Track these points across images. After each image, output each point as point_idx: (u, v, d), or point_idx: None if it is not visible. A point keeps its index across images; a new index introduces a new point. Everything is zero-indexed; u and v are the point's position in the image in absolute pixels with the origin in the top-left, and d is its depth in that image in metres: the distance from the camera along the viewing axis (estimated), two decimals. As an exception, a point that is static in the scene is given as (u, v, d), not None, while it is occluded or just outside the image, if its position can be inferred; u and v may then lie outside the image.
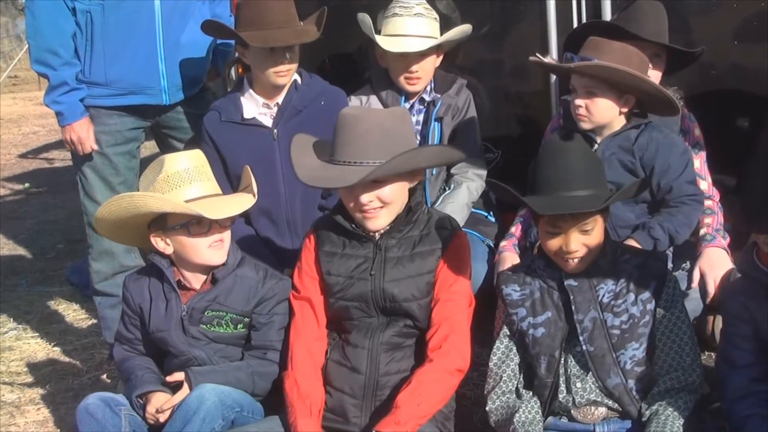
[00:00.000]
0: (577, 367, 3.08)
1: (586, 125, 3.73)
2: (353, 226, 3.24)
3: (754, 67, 4.19)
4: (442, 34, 4.27)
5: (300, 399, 3.09)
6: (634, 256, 3.11)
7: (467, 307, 3.31)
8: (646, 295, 3.05)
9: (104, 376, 4.29)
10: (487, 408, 3.12)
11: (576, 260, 3.02)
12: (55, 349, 5.15)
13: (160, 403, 3.32)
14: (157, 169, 3.42)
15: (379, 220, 3.21)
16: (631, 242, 3.60)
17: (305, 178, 3.22)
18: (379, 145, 3.12)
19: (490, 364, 3.15)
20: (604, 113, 3.71)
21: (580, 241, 2.99)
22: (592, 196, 3.00)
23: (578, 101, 3.70)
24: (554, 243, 3.00)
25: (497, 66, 4.56)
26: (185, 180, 3.39)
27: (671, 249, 3.83)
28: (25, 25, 4.61)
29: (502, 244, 4.08)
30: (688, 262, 3.86)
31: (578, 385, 3.08)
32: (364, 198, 3.11)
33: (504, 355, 3.14)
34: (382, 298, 3.28)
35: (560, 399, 3.11)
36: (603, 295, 3.05)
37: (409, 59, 4.21)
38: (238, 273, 3.50)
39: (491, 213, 4.37)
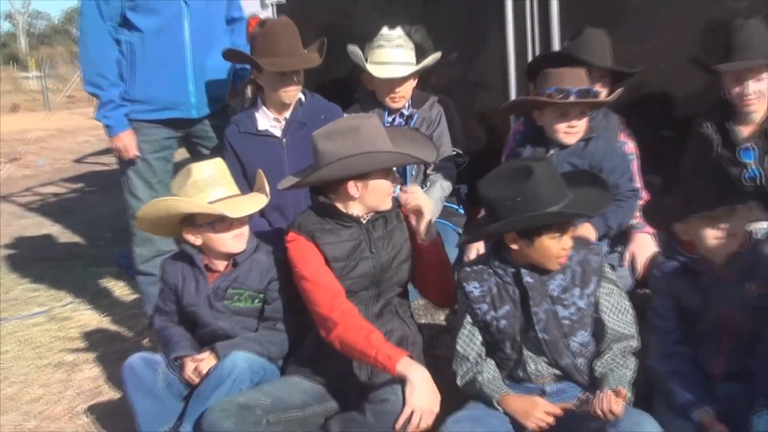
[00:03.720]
0: (533, 350, 3.03)
1: (573, 140, 3.72)
2: (346, 215, 3.24)
3: (679, 88, 4.16)
4: (417, 61, 4.22)
5: (382, 341, 3.00)
6: (575, 252, 3.07)
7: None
8: (590, 289, 3.02)
9: (145, 341, 4.30)
10: (457, 382, 3.10)
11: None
12: (105, 318, 5.14)
13: (195, 365, 3.33)
14: (186, 176, 3.45)
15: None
16: (588, 226, 3.57)
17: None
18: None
19: (456, 346, 3.11)
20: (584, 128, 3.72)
21: (570, 243, 2.97)
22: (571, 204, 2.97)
23: (574, 122, 3.68)
24: (555, 245, 2.93)
25: (463, 85, 4.51)
26: (210, 184, 3.41)
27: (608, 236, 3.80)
28: (78, 53, 4.57)
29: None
30: (620, 246, 3.83)
31: (532, 366, 3.05)
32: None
33: (468, 339, 3.09)
34: (382, 270, 3.29)
35: (519, 372, 3.09)
36: (553, 290, 3.02)
37: (393, 83, 4.19)
38: (254, 258, 3.52)
39: (461, 206, 4.36)
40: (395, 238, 3.35)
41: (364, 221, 3.28)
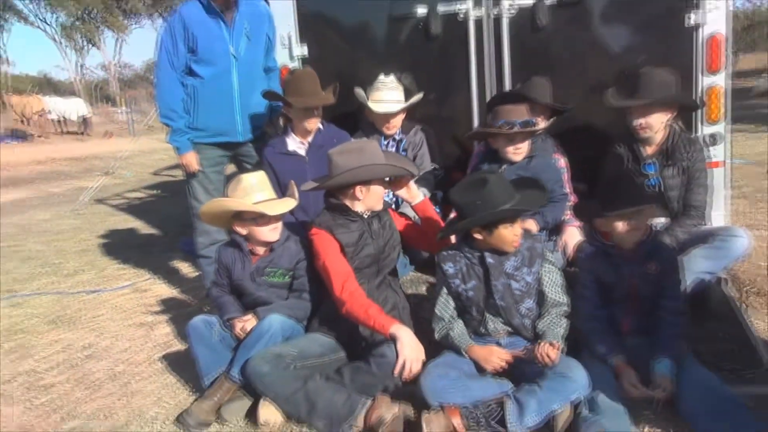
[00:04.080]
0: (492, 313, 3.06)
1: (519, 158, 3.77)
2: (352, 212, 3.29)
3: (599, 119, 4.17)
4: (405, 99, 4.22)
5: (378, 312, 3.04)
6: (524, 241, 3.09)
7: None
8: (535, 268, 3.06)
9: (205, 308, 4.28)
10: (435, 337, 3.13)
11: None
12: (174, 290, 5.14)
13: (242, 325, 3.38)
14: (237, 183, 3.47)
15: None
16: (531, 222, 3.60)
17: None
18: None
19: (434, 310, 3.14)
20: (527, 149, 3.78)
21: (520, 231, 3.03)
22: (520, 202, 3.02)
23: (518, 145, 3.74)
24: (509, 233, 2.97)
25: (439, 118, 4.46)
26: (254, 190, 3.44)
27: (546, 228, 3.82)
28: (155, 93, 4.59)
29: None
30: (555, 236, 3.84)
31: (491, 325, 3.08)
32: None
33: (444, 305, 3.13)
34: (380, 252, 3.34)
35: (481, 329, 3.12)
36: (508, 268, 3.04)
37: (387, 116, 4.19)
38: (286, 245, 3.53)
39: (438, 206, 4.34)
40: (387, 229, 3.42)
41: (365, 217, 3.32)
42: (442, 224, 3.56)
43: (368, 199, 3.30)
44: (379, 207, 3.37)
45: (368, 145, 3.39)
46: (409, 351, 2.90)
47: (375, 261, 3.35)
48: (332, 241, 3.24)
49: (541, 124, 3.97)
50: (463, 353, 3.05)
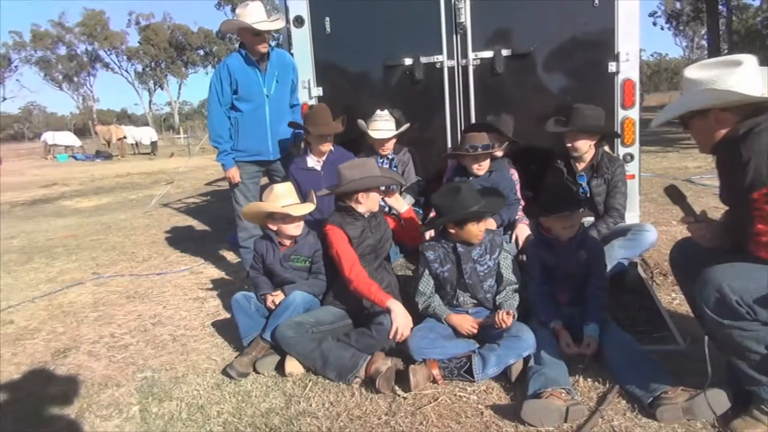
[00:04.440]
0: (462, 289, 3.06)
1: (482, 173, 3.75)
2: (356, 213, 3.29)
3: (542, 143, 4.14)
4: (397, 128, 4.20)
5: (378, 289, 3.07)
6: (487, 234, 3.08)
7: None
8: (495, 255, 3.05)
9: (245, 286, 4.25)
10: (419, 308, 3.11)
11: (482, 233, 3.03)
12: (222, 272, 5.10)
13: (272, 299, 3.37)
14: (270, 191, 3.47)
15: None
16: (491, 221, 3.57)
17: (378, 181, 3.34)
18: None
19: (418, 287, 3.12)
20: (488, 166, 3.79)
21: (484, 228, 3.02)
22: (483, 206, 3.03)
23: (481, 163, 3.73)
24: (475, 229, 2.98)
25: (422, 142, 4.43)
26: (283, 196, 3.44)
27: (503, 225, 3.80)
28: (207, 123, 4.56)
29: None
30: (510, 231, 3.81)
31: (461, 299, 3.07)
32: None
33: (426, 283, 3.11)
34: (380, 242, 3.36)
35: (454, 302, 3.10)
36: (474, 256, 3.03)
37: (383, 141, 4.16)
38: (306, 238, 3.50)
39: (421, 208, 4.33)
40: (382, 226, 3.42)
41: (366, 217, 3.31)
42: (420, 225, 3.68)
43: (368, 203, 3.30)
44: (376, 209, 3.38)
45: (368, 162, 3.41)
46: (401, 320, 2.93)
47: (374, 250, 3.34)
48: (342, 234, 3.24)
49: (499, 150, 3.96)
50: (443, 320, 3.04)
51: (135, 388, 3.02)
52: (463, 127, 4.33)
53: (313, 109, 4.09)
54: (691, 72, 2.20)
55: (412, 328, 2.95)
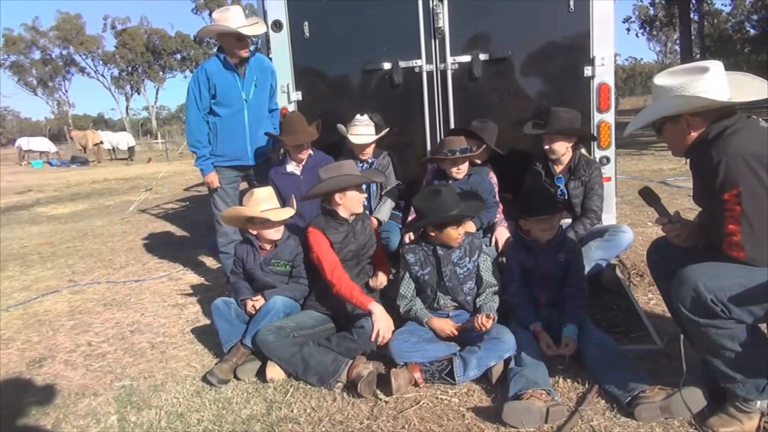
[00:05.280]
0: (443, 292, 3.07)
1: (461, 176, 3.78)
2: (340, 217, 3.27)
3: (521, 146, 4.17)
4: (377, 132, 4.19)
5: (360, 292, 3.06)
6: (466, 237, 3.09)
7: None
8: (475, 257, 3.07)
9: (225, 292, 4.21)
10: (400, 311, 3.11)
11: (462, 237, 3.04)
12: (201, 278, 5.04)
13: (253, 304, 3.35)
14: (250, 195, 3.47)
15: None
16: (471, 223, 3.54)
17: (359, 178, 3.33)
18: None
19: (400, 290, 3.13)
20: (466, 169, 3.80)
21: (463, 231, 3.02)
22: (463, 210, 3.02)
23: (460, 167, 3.76)
24: (454, 232, 2.99)
25: (401, 146, 4.43)
26: (264, 200, 3.44)
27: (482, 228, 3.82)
28: (185, 128, 4.51)
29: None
30: (489, 233, 3.82)
31: (442, 302, 3.09)
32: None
33: (407, 286, 3.11)
34: (363, 248, 3.34)
35: (434, 305, 3.11)
36: (454, 258, 3.04)
37: (362, 146, 4.16)
38: (287, 242, 3.50)
39: (401, 212, 4.33)
40: (367, 232, 3.40)
41: (350, 221, 3.29)
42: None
43: (347, 203, 3.26)
44: (358, 210, 3.32)
45: (345, 164, 3.38)
46: (382, 322, 2.91)
47: (356, 255, 3.33)
48: (323, 238, 3.21)
49: (479, 157, 3.97)
50: (424, 324, 3.04)
51: (113, 397, 2.97)
52: (442, 131, 4.36)
53: (287, 117, 4.07)
54: (661, 79, 2.25)
55: (394, 331, 2.94)
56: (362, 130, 4.18)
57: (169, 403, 2.85)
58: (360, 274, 3.35)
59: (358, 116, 4.21)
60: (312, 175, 3.85)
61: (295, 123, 3.97)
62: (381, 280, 3.48)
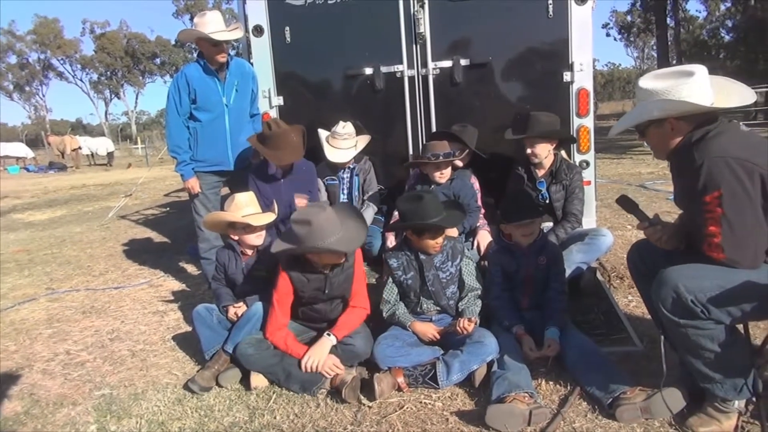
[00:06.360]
0: (426, 296, 3.08)
1: (443, 181, 3.81)
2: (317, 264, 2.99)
3: (503, 150, 4.20)
4: (358, 134, 4.20)
5: (294, 343, 3.00)
6: (448, 241, 3.10)
7: (365, 286, 3.18)
8: (457, 261, 3.08)
9: (206, 299, 4.17)
10: (383, 316, 3.12)
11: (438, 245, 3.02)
12: (182, 285, 4.99)
13: (234, 310, 3.32)
14: (231, 200, 3.41)
15: None
16: (453, 229, 3.55)
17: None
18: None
19: (383, 295, 3.12)
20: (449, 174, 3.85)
21: (441, 241, 3.02)
22: (443, 220, 3.01)
23: (443, 171, 3.79)
24: (430, 241, 2.99)
25: (384, 151, 4.45)
26: (245, 205, 3.39)
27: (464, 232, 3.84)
28: (165, 133, 4.45)
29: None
30: (472, 237, 3.87)
31: (425, 306, 3.09)
32: None
33: (390, 291, 3.11)
34: (332, 302, 3.10)
35: (417, 309, 3.11)
36: (437, 263, 3.04)
37: (342, 163, 4.21)
38: (269, 248, 3.40)
39: (383, 216, 4.34)
40: (344, 275, 3.06)
41: (327, 273, 3.00)
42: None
43: (324, 259, 2.95)
44: (339, 260, 2.97)
45: (318, 218, 2.80)
46: (316, 353, 2.88)
47: (329, 298, 3.08)
48: (289, 287, 3.01)
49: (460, 161, 3.99)
50: (408, 328, 3.04)
51: (92, 406, 2.92)
52: (423, 136, 4.38)
53: (274, 134, 3.83)
54: (646, 82, 2.27)
55: (375, 336, 2.92)
56: (342, 145, 4.17)
57: (149, 412, 2.81)
58: (335, 304, 3.14)
59: (338, 129, 4.20)
60: (293, 179, 3.84)
61: (278, 139, 3.84)
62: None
